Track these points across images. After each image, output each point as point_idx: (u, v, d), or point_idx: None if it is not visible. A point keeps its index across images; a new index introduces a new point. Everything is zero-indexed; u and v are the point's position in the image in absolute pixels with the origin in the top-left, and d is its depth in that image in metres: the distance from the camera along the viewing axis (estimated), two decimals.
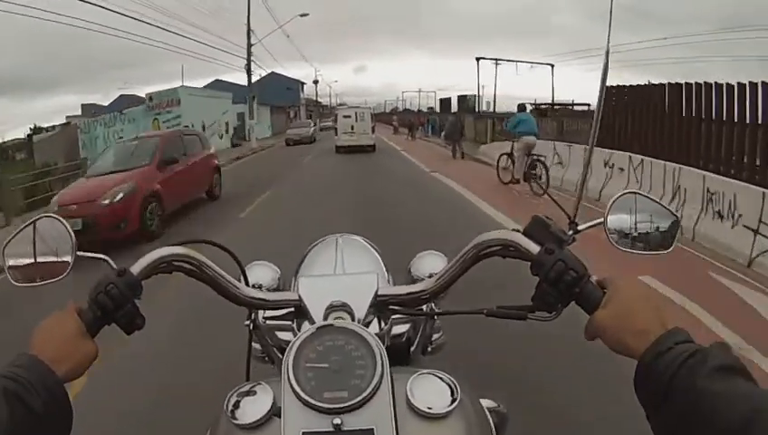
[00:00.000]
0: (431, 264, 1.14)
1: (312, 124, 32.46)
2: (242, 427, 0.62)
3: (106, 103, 30.72)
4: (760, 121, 5.86)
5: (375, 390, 0.61)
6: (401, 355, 1.03)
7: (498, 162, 9.98)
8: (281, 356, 0.94)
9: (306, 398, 0.60)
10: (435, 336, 1.27)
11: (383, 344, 0.66)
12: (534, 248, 0.68)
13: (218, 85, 33.75)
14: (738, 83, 6.29)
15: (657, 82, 8.55)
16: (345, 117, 19.02)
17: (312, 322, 0.76)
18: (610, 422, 2.12)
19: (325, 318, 0.74)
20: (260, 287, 1.04)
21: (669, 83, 8.15)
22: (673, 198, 5.88)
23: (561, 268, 0.65)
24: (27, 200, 9.94)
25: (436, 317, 1.07)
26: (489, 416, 0.75)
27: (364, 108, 20.53)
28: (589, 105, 23.03)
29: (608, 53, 0.73)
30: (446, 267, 0.78)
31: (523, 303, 0.71)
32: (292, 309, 0.81)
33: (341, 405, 0.59)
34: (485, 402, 0.78)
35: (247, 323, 0.95)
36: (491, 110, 27.57)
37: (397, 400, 0.62)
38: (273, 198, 9.11)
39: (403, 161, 15.14)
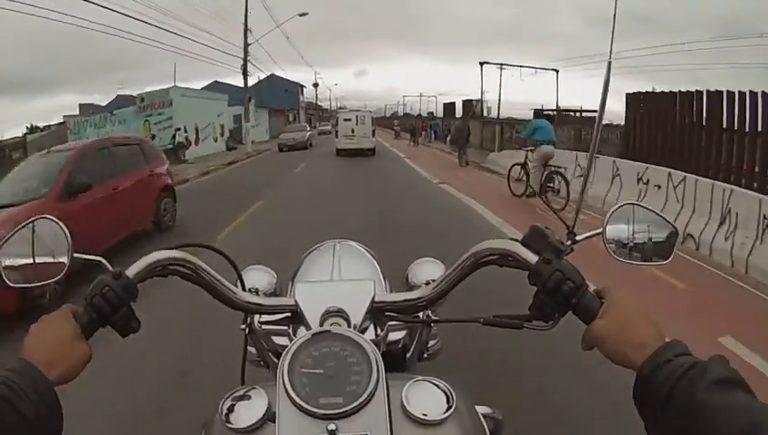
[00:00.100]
0: (429, 271, 1.14)
1: (308, 128, 30.60)
2: (236, 431, 0.62)
3: (104, 104, 29.87)
4: None
5: (370, 396, 0.61)
6: (397, 362, 1.03)
7: (510, 173, 9.28)
8: (276, 361, 0.92)
9: (301, 403, 0.61)
10: (431, 343, 1.27)
11: (379, 351, 0.67)
12: (532, 258, 0.69)
13: (217, 87, 33.50)
14: None
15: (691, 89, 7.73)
16: (346, 120, 19.14)
17: (308, 327, 0.77)
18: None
19: (321, 324, 0.75)
20: (256, 292, 1.04)
21: (708, 91, 7.35)
22: (722, 223, 5.28)
23: (558, 278, 0.66)
24: None
25: (432, 325, 1.06)
26: (484, 422, 0.75)
27: (365, 111, 20.60)
28: (596, 111, 22.04)
29: (609, 64, 0.75)
30: (443, 275, 0.79)
31: (520, 312, 0.71)
32: (289, 314, 0.82)
33: (336, 411, 0.60)
34: (481, 409, 0.79)
35: (243, 327, 0.96)
36: (493, 115, 26.82)
37: (392, 406, 0.63)
38: (252, 221, 7.41)
39: (407, 170, 14.23)
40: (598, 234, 0.74)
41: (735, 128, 6.30)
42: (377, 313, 0.81)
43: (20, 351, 0.62)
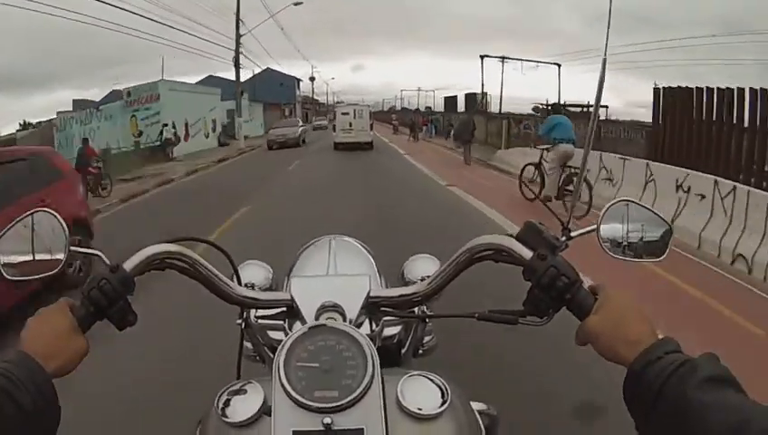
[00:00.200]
0: (424, 267, 1.16)
1: (301, 123, 27.59)
2: (232, 425, 0.64)
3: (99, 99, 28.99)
4: None
5: (366, 390, 0.63)
6: (392, 357, 1.05)
7: (522, 174, 8.43)
8: (272, 355, 0.97)
9: (297, 397, 0.62)
10: (426, 339, 1.29)
11: (374, 346, 0.69)
12: (527, 254, 0.71)
13: (211, 81, 32.98)
14: None
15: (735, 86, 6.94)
16: (344, 114, 19.50)
17: (303, 322, 0.79)
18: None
19: (317, 319, 0.77)
20: (252, 287, 1.06)
21: (752, 89, 6.54)
22: None
23: (553, 274, 0.68)
24: None
25: (427, 320, 1.05)
26: (479, 418, 0.77)
27: (362, 106, 20.97)
28: (607, 107, 21.19)
29: (604, 61, 0.80)
30: (438, 270, 0.81)
31: (514, 307, 0.74)
32: (284, 309, 0.84)
33: (332, 405, 0.62)
34: (476, 405, 0.81)
35: (239, 321, 0.98)
36: (493, 110, 26.07)
37: (387, 400, 0.65)
38: (229, 238, 6.02)
39: (409, 169, 13.45)
40: (592, 230, 0.75)
41: None
42: (372, 308, 0.83)
43: (17, 343, 0.63)
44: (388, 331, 1.00)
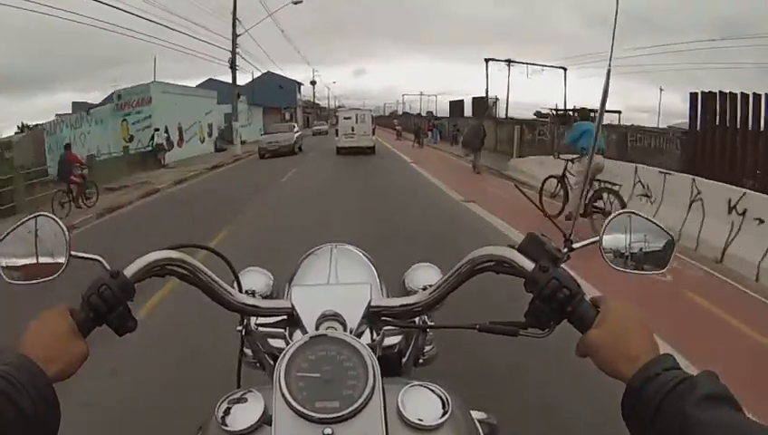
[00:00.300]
0: (425, 276, 1.18)
1: (297, 128, 24.86)
2: (232, 434, 0.65)
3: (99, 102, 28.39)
4: None
5: (366, 401, 0.64)
6: (393, 367, 1.07)
7: (542, 187, 7.70)
8: (272, 363, 1.00)
9: (297, 407, 0.63)
10: (426, 348, 1.30)
11: (375, 355, 0.70)
12: (529, 265, 0.72)
13: (211, 84, 32.72)
14: None
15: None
16: (346, 118, 19.92)
17: (304, 331, 0.81)
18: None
19: (317, 327, 0.78)
20: (253, 294, 1.08)
21: None
22: None
23: (554, 286, 0.69)
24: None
25: (428, 330, 1.09)
26: (480, 428, 0.79)
27: (365, 110, 21.59)
28: (620, 112, 20.43)
29: (608, 72, 0.82)
30: (440, 281, 0.83)
31: (515, 319, 0.76)
32: (285, 317, 0.86)
33: (333, 415, 0.63)
34: (476, 414, 0.82)
35: (239, 328, 1.00)
36: (500, 115, 25.39)
37: (388, 411, 0.66)
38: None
39: (418, 181, 12.44)
40: (595, 242, 0.77)
41: None
42: (373, 317, 0.84)
43: (17, 346, 0.65)
44: (389, 340, 1.01)
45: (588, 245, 0.77)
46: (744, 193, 5.50)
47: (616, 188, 6.36)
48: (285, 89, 47.60)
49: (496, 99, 26.95)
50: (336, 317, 0.79)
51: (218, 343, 2.18)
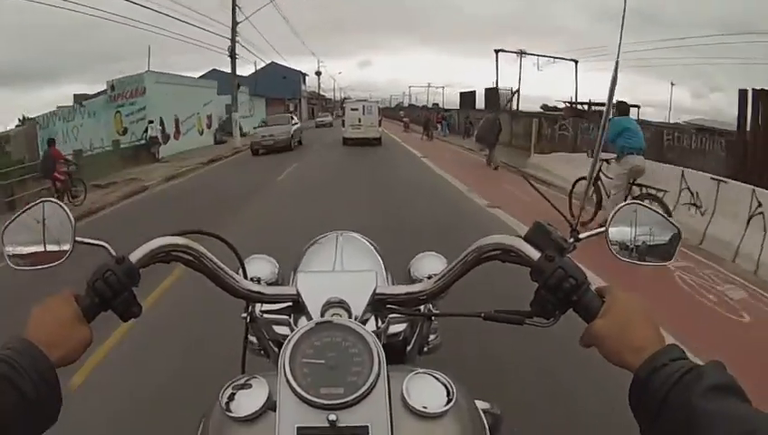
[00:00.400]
0: (431, 265, 1.19)
1: (295, 120, 22.24)
2: (236, 420, 0.67)
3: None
4: None
5: (371, 387, 0.66)
6: (397, 355, 1.09)
7: (572, 191, 7.00)
8: (277, 350, 1.02)
9: (302, 393, 0.65)
10: (431, 337, 1.32)
11: (380, 343, 0.72)
12: (535, 254, 0.74)
13: (214, 75, 32.07)
14: None
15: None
16: (353, 110, 20.37)
17: (309, 317, 0.82)
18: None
19: (322, 314, 0.80)
20: (258, 281, 1.08)
21: None
22: None
23: (560, 275, 0.70)
24: None
25: (433, 318, 1.13)
26: (484, 417, 0.81)
27: (371, 102, 21.88)
28: (639, 107, 19.50)
29: (617, 63, 0.88)
30: (445, 269, 0.84)
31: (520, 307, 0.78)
32: (290, 304, 0.88)
33: (337, 401, 0.65)
34: (480, 404, 0.84)
35: (244, 315, 1.01)
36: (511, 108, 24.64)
37: (392, 398, 0.68)
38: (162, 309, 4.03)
39: (432, 180, 11.56)
40: (601, 232, 0.79)
41: None
42: (378, 305, 0.86)
43: (21, 331, 0.66)
44: (394, 328, 1.04)
45: (594, 235, 0.79)
46: None
47: (660, 194, 5.50)
48: (290, 79, 47.14)
49: (517, 90, 25.86)
50: (341, 304, 0.81)
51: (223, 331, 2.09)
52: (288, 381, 0.65)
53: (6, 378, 0.57)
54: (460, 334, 2.56)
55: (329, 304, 0.80)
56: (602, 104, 19.48)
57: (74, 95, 24.23)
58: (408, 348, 1.15)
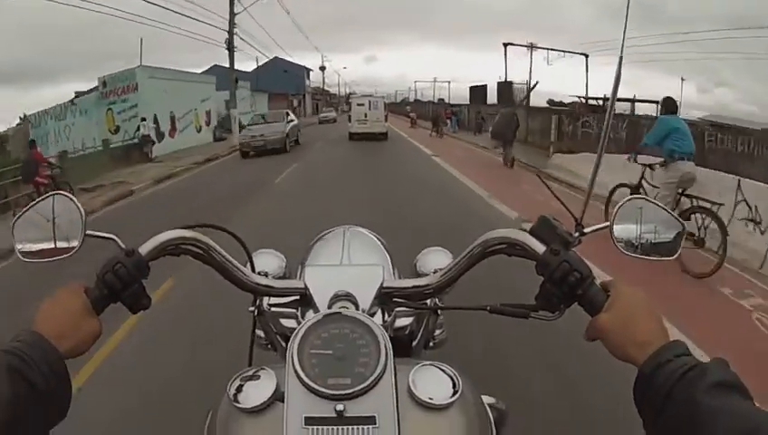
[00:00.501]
0: (437, 259, 1.21)
1: (290, 117, 19.58)
2: (244, 411, 0.69)
3: None
4: None
5: (378, 378, 0.68)
6: (403, 348, 1.11)
7: (609, 198, 6.23)
8: (284, 344, 1.05)
9: (310, 383, 0.67)
10: (437, 332, 1.35)
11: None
12: (540, 248, 0.76)
13: (215, 70, 31.46)
14: None
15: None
16: (359, 105, 20.64)
17: (316, 310, 0.85)
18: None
19: (330, 307, 0.82)
20: (266, 275, 1.09)
21: None
22: None
23: (565, 269, 0.72)
24: None
25: (439, 312, 1.12)
26: (489, 411, 0.82)
27: (377, 97, 21.99)
28: (657, 102, 18.49)
29: (621, 59, 0.81)
30: (451, 263, 0.86)
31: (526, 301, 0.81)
32: (297, 297, 0.90)
33: (344, 392, 0.66)
34: (486, 398, 0.86)
35: (252, 309, 1.03)
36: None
37: (399, 389, 0.69)
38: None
39: (450, 184, 10.47)
40: (606, 227, 0.80)
41: None
42: (385, 298, 0.88)
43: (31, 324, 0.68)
44: (400, 322, 1.06)
45: (599, 230, 0.80)
46: None
47: (714, 208, 4.67)
48: (293, 74, 46.62)
49: (536, 83, 24.94)
50: (348, 297, 0.83)
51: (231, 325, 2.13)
52: (296, 371, 0.67)
53: (16, 370, 0.59)
54: (466, 328, 2.67)
55: (336, 298, 0.83)
56: (620, 100, 18.51)
57: (75, 93, 23.72)
58: (415, 342, 1.17)
